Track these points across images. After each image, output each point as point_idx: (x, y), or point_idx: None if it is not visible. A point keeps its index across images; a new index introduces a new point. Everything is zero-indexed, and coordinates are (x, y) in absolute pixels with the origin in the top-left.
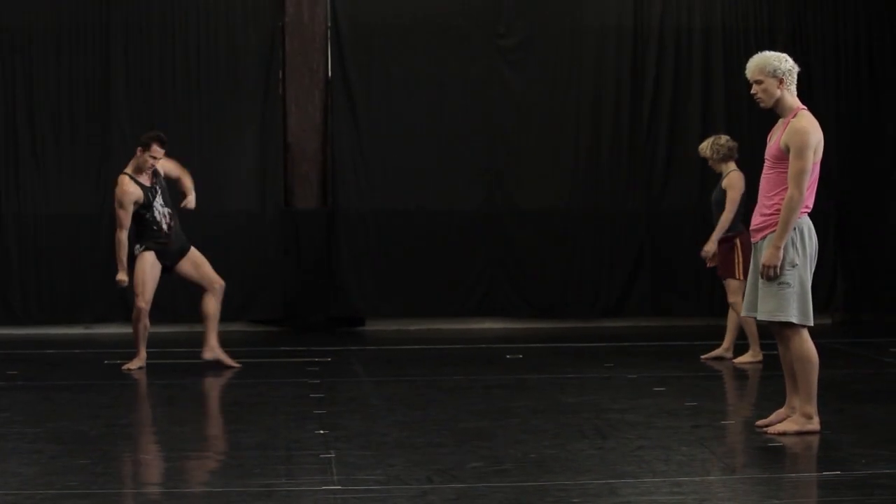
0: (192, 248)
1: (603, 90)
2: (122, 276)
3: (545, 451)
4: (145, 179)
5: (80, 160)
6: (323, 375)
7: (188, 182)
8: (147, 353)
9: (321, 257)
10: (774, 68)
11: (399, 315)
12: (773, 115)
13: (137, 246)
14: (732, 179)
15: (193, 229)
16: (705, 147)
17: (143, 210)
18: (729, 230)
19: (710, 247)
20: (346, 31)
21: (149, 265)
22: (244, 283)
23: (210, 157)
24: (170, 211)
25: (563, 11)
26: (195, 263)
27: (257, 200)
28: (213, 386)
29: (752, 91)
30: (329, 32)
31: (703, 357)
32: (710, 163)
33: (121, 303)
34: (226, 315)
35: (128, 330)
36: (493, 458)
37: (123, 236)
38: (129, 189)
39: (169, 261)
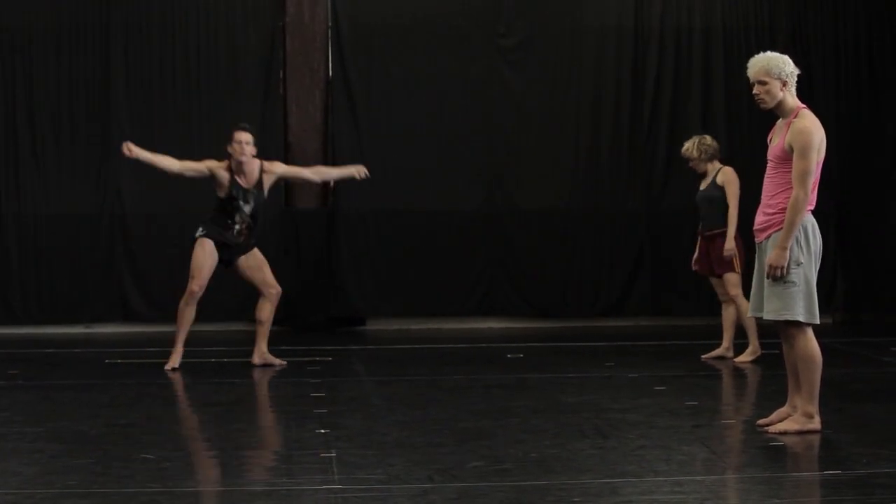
0: (255, 249)
1: (603, 90)
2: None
3: (546, 451)
4: (243, 179)
5: (80, 160)
6: (323, 375)
7: (335, 171)
8: (184, 349)
9: (321, 257)
10: (780, 70)
11: (399, 315)
12: (773, 115)
13: (200, 229)
14: (729, 175)
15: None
16: (691, 147)
17: (227, 202)
18: (724, 226)
19: (731, 244)
20: (346, 31)
21: (207, 252)
22: (244, 282)
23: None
24: (252, 223)
25: (563, 11)
26: (255, 265)
27: None
28: (214, 385)
29: (755, 92)
30: (329, 32)
31: (703, 357)
32: (694, 163)
33: (120, 302)
34: (227, 314)
35: (127, 329)
36: (494, 457)
37: (170, 163)
38: (218, 171)
39: (227, 256)
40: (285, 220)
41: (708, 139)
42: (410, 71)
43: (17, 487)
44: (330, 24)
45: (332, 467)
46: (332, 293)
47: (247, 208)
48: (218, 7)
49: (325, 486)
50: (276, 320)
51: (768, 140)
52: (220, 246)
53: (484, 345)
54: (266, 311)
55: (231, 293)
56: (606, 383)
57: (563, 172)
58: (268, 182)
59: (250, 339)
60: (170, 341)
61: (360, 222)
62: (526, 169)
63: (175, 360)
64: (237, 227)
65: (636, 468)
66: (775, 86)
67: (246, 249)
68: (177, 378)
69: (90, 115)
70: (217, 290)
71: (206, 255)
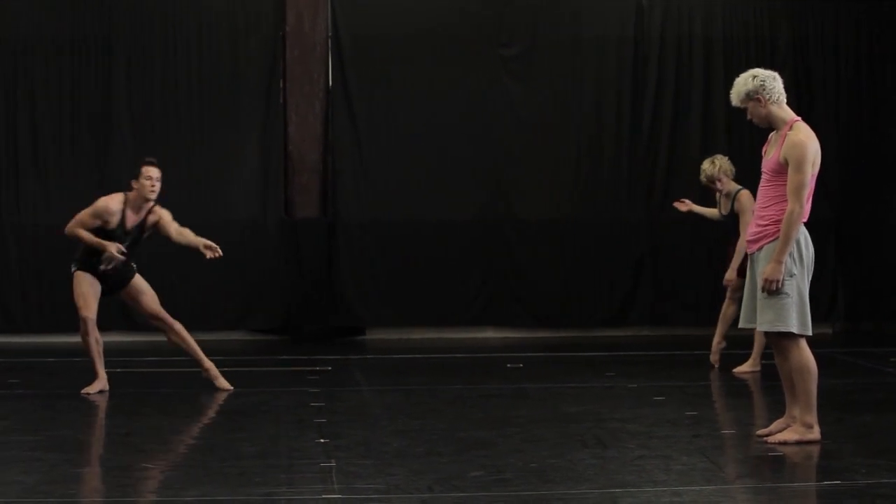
0: (136, 278)
1: (603, 100)
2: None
3: (546, 461)
4: (131, 216)
5: (82, 171)
6: (323, 384)
7: (198, 240)
8: (107, 372)
9: (321, 266)
10: (747, 91)
11: (399, 324)
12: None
13: (73, 266)
14: (746, 203)
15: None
16: (725, 166)
17: (105, 236)
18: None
19: (732, 274)
20: (346, 40)
21: (87, 282)
22: (244, 292)
23: (211, 166)
24: (124, 261)
25: (563, 22)
26: (133, 296)
27: (258, 210)
28: (214, 395)
29: (748, 116)
30: (330, 42)
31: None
32: (723, 184)
33: (120, 312)
34: (226, 324)
35: (128, 339)
36: (494, 467)
37: (80, 232)
38: (110, 207)
39: (105, 287)
40: (286, 230)
41: (725, 158)
42: (410, 80)
43: (17, 496)
44: (330, 33)
45: (331, 477)
46: (332, 303)
47: (125, 244)
48: (218, 17)
49: (324, 496)
50: (276, 330)
51: (763, 152)
52: (97, 276)
53: (484, 354)
54: (171, 339)
55: (229, 303)
56: (606, 393)
57: (564, 182)
58: (150, 223)
59: (249, 349)
60: (169, 352)
61: (359, 232)
62: (526, 179)
63: (97, 387)
64: (106, 266)
65: (636, 478)
66: (754, 106)
67: (125, 282)
68: (177, 388)
69: (92, 126)
70: (215, 299)
71: (86, 285)
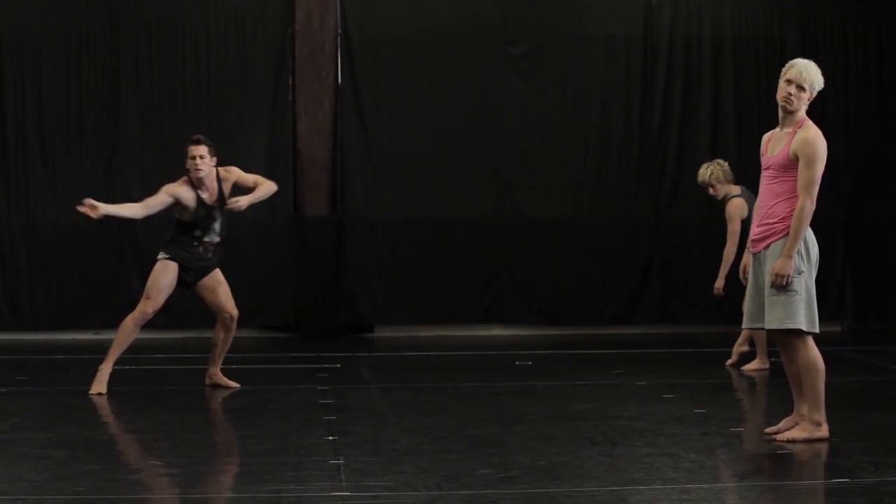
0: (216, 270)
1: (612, 98)
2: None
3: (554, 458)
4: (206, 195)
5: (90, 169)
6: (332, 382)
7: (258, 192)
8: (116, 370)
9: (330, 264)
10: (818, 86)
11: (408, 322)
12: (774, 124)
13: (162, 252)
14: (733, 211)
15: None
16: (718, 172)
17: (193, 223)
18: None
19: (721, 283)
20: (355, 38)
21: (171, 275)
22: (253, 289)
23: (220, 163)
24: (219, 241)
25: (572, 20)
26: (211, 286)
27: (267, 208)
28: (223, 392)
29: (789, 91)
30: (339, 40)
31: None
32: (719, 188)
33: (129, 309)
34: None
35: (137, 336)
36: (502, 464)
37: (134, 210)
38: (180, 192)
39: (190, 278)
40: (294, 228)
41: (723, 163)
42: (419, 78)
43: (26, 493)
44: (339, 31)
45: (340, 474)
46: (341, 300)
47: (216, 226)
48: (227, 15)
49: (333, 494)
50: (285, 327)
51: (763, 150)
52: (183, 269)
53: (492, 352)
54: (218, 334)
55: (238, 300)
56: (615, 391)
57: (572, 181)
58: (227, 191)
59: (258, 346)
60: (178, 348)
61: (369, 229)
62: (535, 177)
63: (102, 385)
64: (202, 247)
65: (644, 476)
66: (806, 96)
67: (208, 270)
68: (186, 385)
69: (99, 124)
70: None
71: (168, 277)
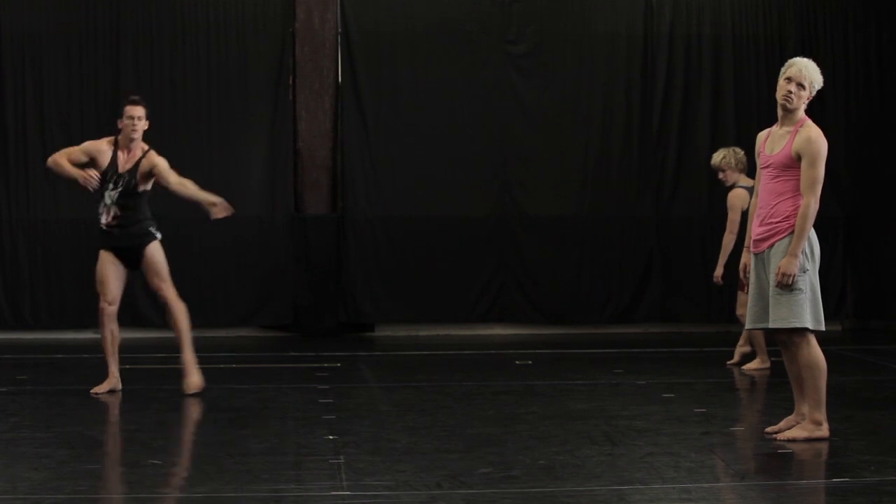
0: (149, 250)
1: (612, 97)
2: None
3: (554, 458)
4: (122, 157)
5: None
6: (332, 381)
7: (203, 195)
8: (121, 369)
9: (331, 263)
10: (817, 84)
11: (408, 321)
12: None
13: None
14: (733, 201)
15: (204, 235)
16: (731, 159)
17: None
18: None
19: (720, 271)
20: (356, 36)
21: (103, 264)
22: (254, 288)
23: (220, 162)
24: (119, 212)
25: (572, 19)
26: (148, 270)
27: (267, 206)
28: (222, 391)
29: (789, 89)
30: (339, 38)
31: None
32: (725, 175)
33: (129, 308)
34: (235, 320)
35: (135, 335)
36: (503, 463)
37: (61, 160)
38: (97, 149)
39: (124, 258)
40: (295, 226)
41: (739, 151)
42: (420, 77)
43: (26, 492)
44: (340, 30)
45: (340, 473)
46: (342, 299)
47: (113, 193)
48: (228, 13)
49: (333, 493)
50: (285, 326)
51: (760, 149)
52: (116, 255)
53: (493, 351)
54: (172, 322)
55: (239, 299)
56: (615, 390)
57: (573, 179)
58: (143, 169)
59: (258, 345)
60: (176, 347)
61: (369, 228)
62: (535, 175)
63: (107, 386)
64: (103, 216)
65: (645, 475)
66: (806, 95)
67: (137, 251)
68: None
69: (100, 122)
70: (224, 296)
71: (104, 268)
